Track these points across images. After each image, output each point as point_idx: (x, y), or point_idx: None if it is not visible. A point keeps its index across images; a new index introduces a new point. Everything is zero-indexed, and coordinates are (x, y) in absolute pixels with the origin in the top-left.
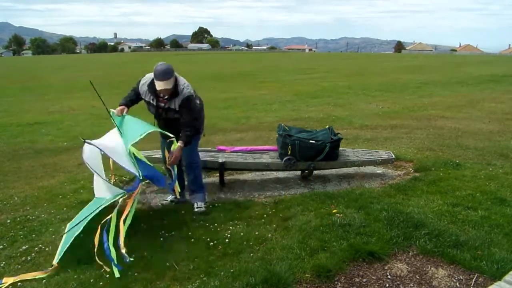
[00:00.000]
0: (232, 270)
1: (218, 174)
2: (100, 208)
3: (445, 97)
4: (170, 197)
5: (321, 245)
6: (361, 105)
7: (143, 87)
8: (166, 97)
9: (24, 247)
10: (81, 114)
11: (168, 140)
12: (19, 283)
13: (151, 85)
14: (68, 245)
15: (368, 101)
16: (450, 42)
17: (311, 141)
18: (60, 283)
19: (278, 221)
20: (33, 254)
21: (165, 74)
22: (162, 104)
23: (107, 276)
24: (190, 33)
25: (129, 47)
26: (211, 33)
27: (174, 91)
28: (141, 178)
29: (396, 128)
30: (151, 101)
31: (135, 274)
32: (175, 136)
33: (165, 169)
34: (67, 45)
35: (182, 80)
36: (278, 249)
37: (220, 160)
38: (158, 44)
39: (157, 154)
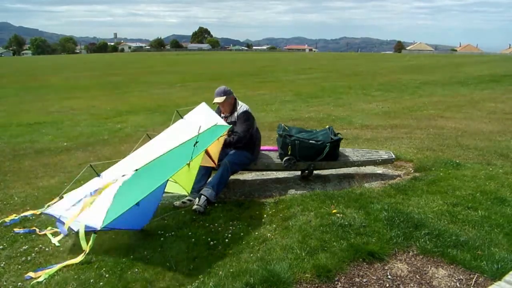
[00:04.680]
0: (232, 270)
1: None
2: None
3: (445, 97)
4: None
5: (321, 245)
6: (361, 105)
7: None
8: (227, 114)
9: (24, 247)
10: (81, 114)
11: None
12: (19, 283)
13: (217, 109)
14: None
15: (368, 101)
16: (450, 42)
17: (311, 141)
18: (60, 283)
19: (278, 221)
20: (33, 254)
21: (217, 92)
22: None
23: (107, 276)
24: (190, 33)
25: (129, 47)
26: (211, 33)
27: (233, 108)
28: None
29: (396, 128)
30: None
31: (135, 274)
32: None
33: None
34: (67, 45)
35: (241, 103)
36: (278, 249)
37: None
38: (158, 44)
39: None
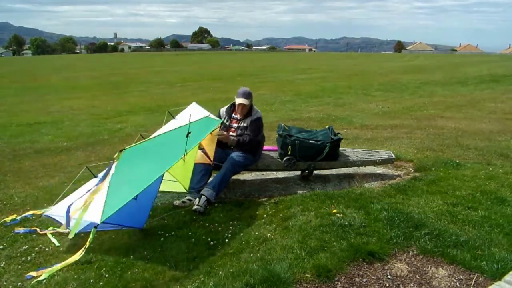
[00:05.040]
0: (232, 270)
1: None
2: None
3: (445, 97)
4: (185, 198)
5: (321, 245)
6: (361, 105)
7: (222, 110)
8: (240, 117)
9: (24, 247)
10: (81, 114)
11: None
12: (19, 283)
13: (229, 108)
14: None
15: (368, 101)
16: (450, 42)
17: (311, 141)
18: (60, 283)
19: (278, 221)
20: (33, 254)
21: (244, 93)
22: (234, 125)
23: (107, 276)
24: (190, 33)
25: (129, 47)
26: (211, 33)
27: (248, 113)
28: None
29: (396, 128)
30: (224, 122)
31: (135, 274)
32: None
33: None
34: (67, 45)
35: (256, 109)
36: (278, 249)
37: None
38: (158, 44)
39: None
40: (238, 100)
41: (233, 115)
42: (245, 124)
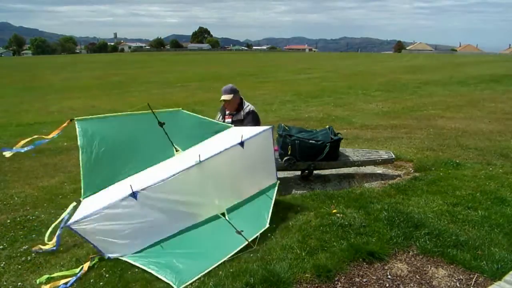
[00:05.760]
0: (232, 270)
1: None
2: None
3: (445, 97)
4: None
5: (321, 245)
6: (361, 105)
7: (217, 113)
8: (232, 112)
9: (24, 247)
10: (81, 114)
11: None
12: (19, 283)
13: (222, 107)
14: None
15: (368, 101)
16: (450, 42)
17: (311, 141)
18: None
19: (278, 221)
20: (33, 254)
21: (225, 90)
22: (229, 120)
23: (107, 276)
24: (190, 33)
25: (129, 47)
26: (211, 33)
27: (239, 107)
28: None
29: (396, 128)
30: (220, 120)
31: (135, 274)
32: None
33: None
34: (67, 45)
35: (247, 102)
36: (278, 249)
37: None
38: (158, 44)
39: None
40: (221, 98)
41: (226, 112)
42: (240, 118)
